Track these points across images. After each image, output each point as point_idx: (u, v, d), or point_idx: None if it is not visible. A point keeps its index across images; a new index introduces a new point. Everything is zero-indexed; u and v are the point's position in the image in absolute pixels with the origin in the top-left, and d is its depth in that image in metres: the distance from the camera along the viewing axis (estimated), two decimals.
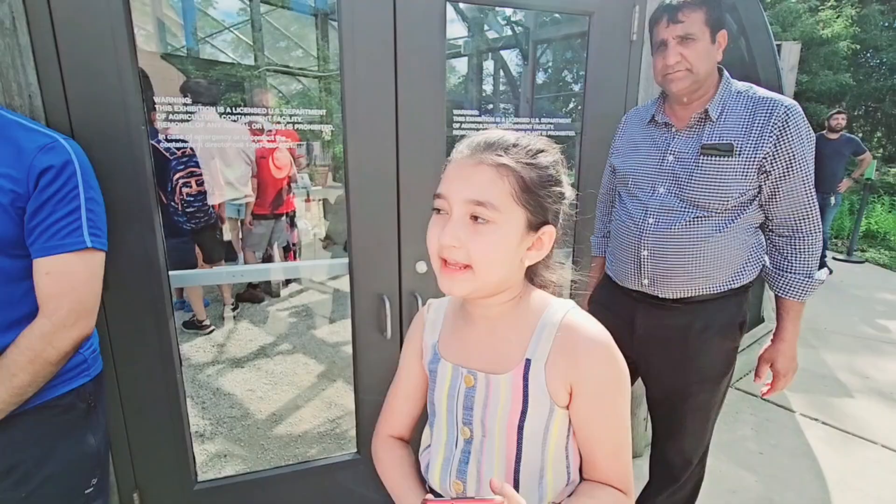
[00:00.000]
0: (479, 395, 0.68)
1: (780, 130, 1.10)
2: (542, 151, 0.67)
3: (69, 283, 0.87)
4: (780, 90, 3.20)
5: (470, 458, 0.70)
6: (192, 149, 3.02)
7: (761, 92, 1.17)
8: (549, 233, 0.66)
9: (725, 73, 1.22)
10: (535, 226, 0.65)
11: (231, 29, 7.55)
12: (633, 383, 1.46)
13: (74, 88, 1.20)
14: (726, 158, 1.13)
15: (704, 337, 1.25)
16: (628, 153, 1.34)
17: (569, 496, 0.68)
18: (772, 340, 1.28)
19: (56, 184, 0.86)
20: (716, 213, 1.17)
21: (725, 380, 1.31)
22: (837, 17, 8.65)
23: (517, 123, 1.67)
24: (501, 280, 0.66)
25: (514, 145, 0.65)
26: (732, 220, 1.18)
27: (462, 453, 0.71)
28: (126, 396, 1.42)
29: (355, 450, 1.73)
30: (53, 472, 0.94)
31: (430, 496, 0.70)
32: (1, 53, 1.13)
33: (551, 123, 1.76)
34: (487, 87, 6.23)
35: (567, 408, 0.67)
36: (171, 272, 1.41)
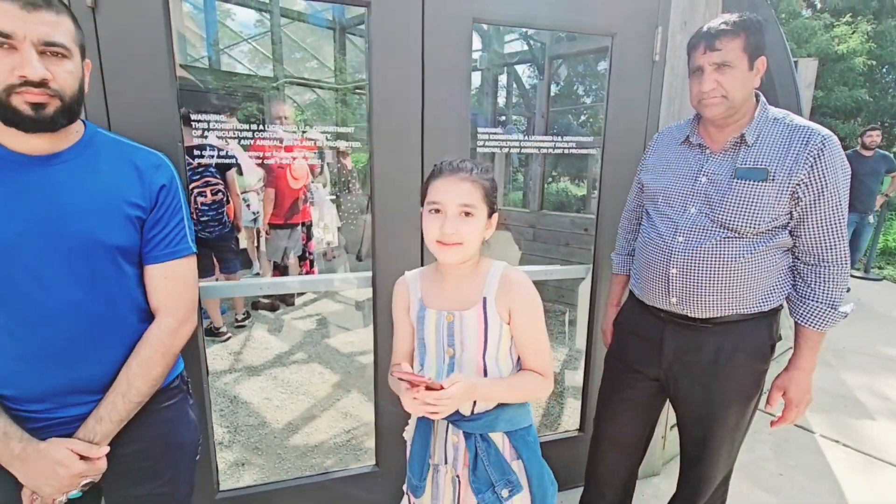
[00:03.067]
0: (457, 326, 1.06)
1: (814, 158, 1.10)
2: (488, 170, 1.05)
3: (184, 284, 1.00)
4: (797, 106, 3.20)
5: (454, 367, 1.07)
6: (209, 159, 3.08)
7: (798, 120, 1.17)
8: (495, 217, 1.06)
9: (762, 98, 1.22)
10: (489, 214, 1.04)
11: (249, 41, 7.71)
12: (663, 403, 1.47)
13: (116, 105, 1.25)
14: (760, 183, 1.14)
15: (735, 359, 1.24)
16: (659, 171, 1.34)
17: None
18: (787, 368, 1.26)
19: (168, 198, 0.98)
20: (747, 235, 1.17)
21: (754, 402, 1.30)
22: (853, 34, 8.63)
23: (540, 142, 1.70)
24: (475, 251, 1.05)
25: (476, 167, 1.03)
26: (764, 242, 1.18)
27: (447, 366, 1.08)
28: None
29: (374, 462, 1.74)
30: (174, 452, 1.06)
31: (404, 364, 1.00)
32: None
33: (573, 141, 1.78)
34: (501, 101, 6.29)
35: (509, 324, 1.06)
36: (203, 283, 1.44)
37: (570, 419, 2.55)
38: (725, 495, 1.47)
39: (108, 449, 0.92)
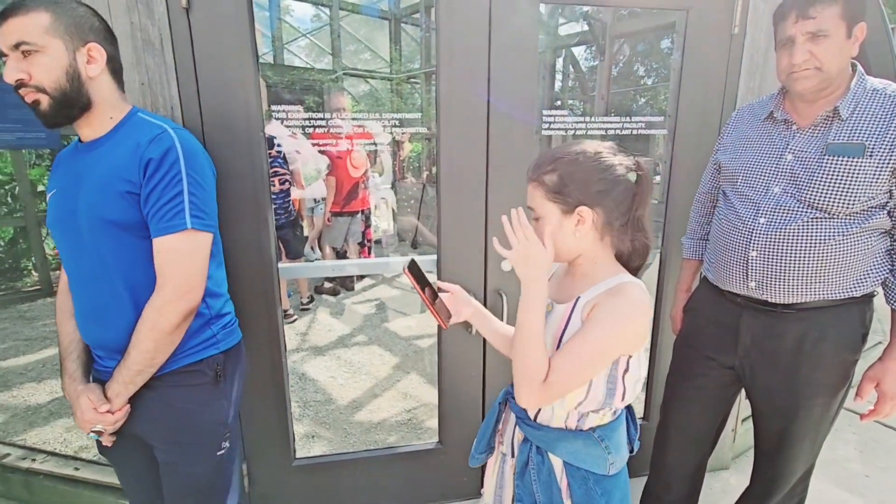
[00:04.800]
0: (550, 317, 0.94)
1: None
2: (547, 161, 0.91)
3: (173, 260, 0.96)
4: (894, 77, 2.90)
5: None
6: (277, 150, 3.25)
7: None
8: (584, 211, 0.88)
9: (860, 68, 1.12)
10: (569, 210, 0.88)
11: (308, 35, 7.97)
12: (737, 394, 1.41)
13: (208, 100, 1.35)
14: (856, 159, 1.05)
15: (820, 348, 1.17)
16: (739, 150, 1.28)
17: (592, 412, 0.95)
18: (881, 358, 1.18)
19: (160, 172, 0.94)
20: (838, 215, 1.10)
21: (841, 395, 1.22)
22: None
23: (607, 123, 1.66)
24: (567, 255, 0.93)
25: (534, 164, 0.93)
26: (858, 223, 1.09)
27: None
28: None
29: (437, 440, 1.80)
30: (187, 432, 1.08)
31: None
32: (151, 71, 1.30)
33: (641, 122, 1.72)
34: (557, 85, 6.14)
35: None
36: (280, 265, 1.54)
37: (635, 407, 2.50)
38: (805, 492, 1.40)
39: (108, 406, 0.99)
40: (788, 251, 1.14)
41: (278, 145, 3.23)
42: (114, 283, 0.99)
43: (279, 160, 3.34)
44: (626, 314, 0.85)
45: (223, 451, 1.13)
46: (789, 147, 1.17)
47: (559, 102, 6.09)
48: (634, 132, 1.71)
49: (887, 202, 1.09)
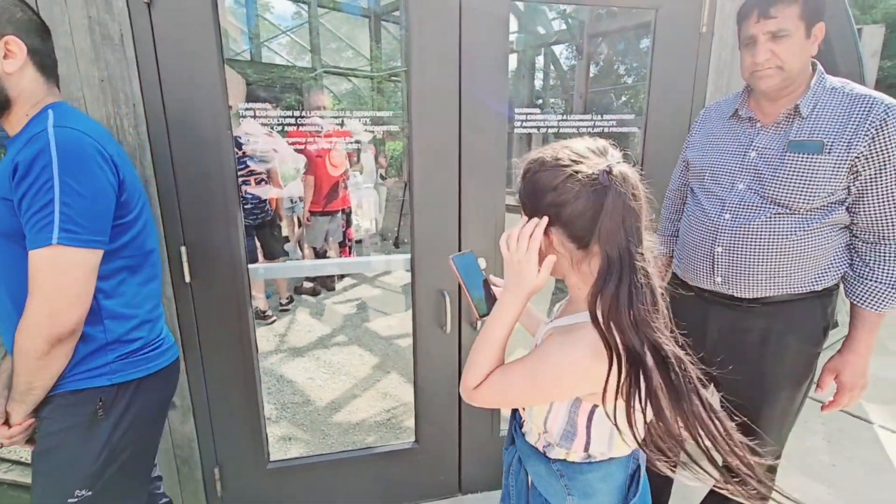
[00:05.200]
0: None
1: (876, 129, 1.04)
2: (525, 172, 0.82)
3: (37, 279, 0.85)
4: (861, 77, 2.97)
5: None
6: (253, 148, 3.20)
7: (859, 89, 1.10)
8: (552, 232, 0.77)
9: (819, 67, 1.16)
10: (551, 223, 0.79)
11: (288, 33, 7.87)
12: (706, 389, 1.43)
13: (172, 97, 1.32)
14: (815, 156, 1.08)
15: (784, 341, 1.20)
16: (706, 147, 1.30)
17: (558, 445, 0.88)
18: (840, 350, 1.21)
19: (28, 178, 0.83)
20: (800, 211, 1.12)
21: (804, 387, 1.25)
22: None
23: (580, 121, 1.67)
24: (562, 276, 0.83)
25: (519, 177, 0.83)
26: (818, 218, 1.12)
27: None
28: (210, 380, 1.54)
29: (413, 439, 1.79)
30: (40, 460, 0.96)
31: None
32: (111, 66, 1.26)
33: (613, 120, 1.73)
34: (538, 83, 6.16)
35: None
36: (250, 265, 1.52)
37: None
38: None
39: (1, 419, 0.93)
40: (752, 246, 1.16)
41: (254, 143, 3.17)
42: (8, 290, 0.93)
43: (255, 159, 3.29)
44: (568, 355, 0.75)
45: (75, 501, 0.96)
46: (753, 144, 1.19)
47: (540, 101, 6.12)
48: (607, 130, 1.72)
49: (846, 198, 1.12)
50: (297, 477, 1.71)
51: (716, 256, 1.22)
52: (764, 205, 1.15)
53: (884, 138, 1.03)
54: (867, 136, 1.04)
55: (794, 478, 1.98)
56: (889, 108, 1.04)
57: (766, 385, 1.23)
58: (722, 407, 1.37)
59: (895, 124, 1.03)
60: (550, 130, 1.69)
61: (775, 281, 1.17)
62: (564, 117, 1.70)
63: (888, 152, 1.04)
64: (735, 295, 1.22)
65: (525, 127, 1.64)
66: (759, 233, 1.16)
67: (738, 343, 1.24)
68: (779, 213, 1.14)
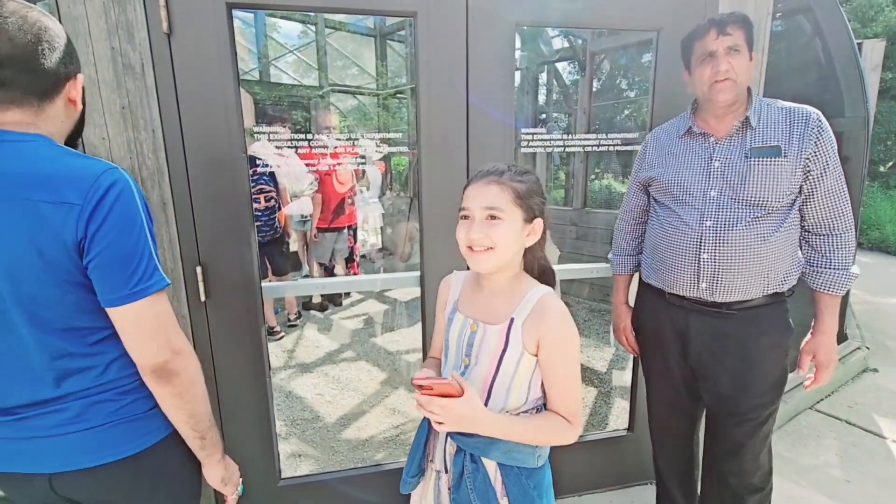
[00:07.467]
0: (478, 338, 1.00)
1: (817, 134, 1.19)
2: (526, 172, 0.98)
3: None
4: (862, 91, 3.00)
5: (467, 376, 1.01)
6: (264, 167, 3.26)
7: (786, 103, 1.26)
8: (538, 223, 0.98)
9: (752, 88, 1.30)
10: (529, 220, 0.97)
11: (295, 52, 8.02)
12: (692, 398, 1.46)
13: (189, 122, 1.36)
14: (776, 159, 1.20)
15: (762, 343, 1.27)
16: (667, 163, 1.36)
17: (525, 413, 0.99)
18: (812, 333, 1.32)
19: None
20: (772, 211, 1.22)
21: (782, 388, 1.32)
22: None
23: (583, 140, 1.70)
24: (511, 258, 0.97)
25: (508, 169, 0.97)
26: (784, 219, 1.23)
27: (461, 374, 1.01)
28: (223, 397, 1.56)
29: None
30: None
31: (426, 370, 1.01)
32: (132, 94, 1.31)
33: (617, 138, 1.76)
34: (542, 99, 6.24)
35: (536, 356, 0.96)
36: (264, 284, 1.55)
37: (619, 419, 2.52)
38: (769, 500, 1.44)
39: None
40: (737, 248, 1.23)
41: (265, 164, 3.24)
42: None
43: (265, 177, 3.35)
44: (571, 326, 0.95)
45: None
46: (714, 156, 1.28)
47: (544, 116, 6.20)
48: (610, 149, 1.75)
49: (796, 198, 1.24)
50: (308, 494, 1.72)
51: (702, 262, 1.27)
52: (741, 209, 1.23)
53: (824, 141, 1.19)
54: (811, 140, 1.19)
55: (807, 493, 1.96)
56: (820, 116, 1.22)
57: (749, 388, 1.30)
58: (707, 412, 1.40)
59: (828, 129, 1.21)
60: (557, 150, 1.72)
61: (756, 282, 1.25)
62: (569, 136, 1.73)
63: (828, 153, 1.20)
64: (717, 300, 1.28)
65: (531, 146, 1.67)
66: (743, 235, 1.23)
67: (720, 349, 1.30)
68: (758, 217, 1.22)
